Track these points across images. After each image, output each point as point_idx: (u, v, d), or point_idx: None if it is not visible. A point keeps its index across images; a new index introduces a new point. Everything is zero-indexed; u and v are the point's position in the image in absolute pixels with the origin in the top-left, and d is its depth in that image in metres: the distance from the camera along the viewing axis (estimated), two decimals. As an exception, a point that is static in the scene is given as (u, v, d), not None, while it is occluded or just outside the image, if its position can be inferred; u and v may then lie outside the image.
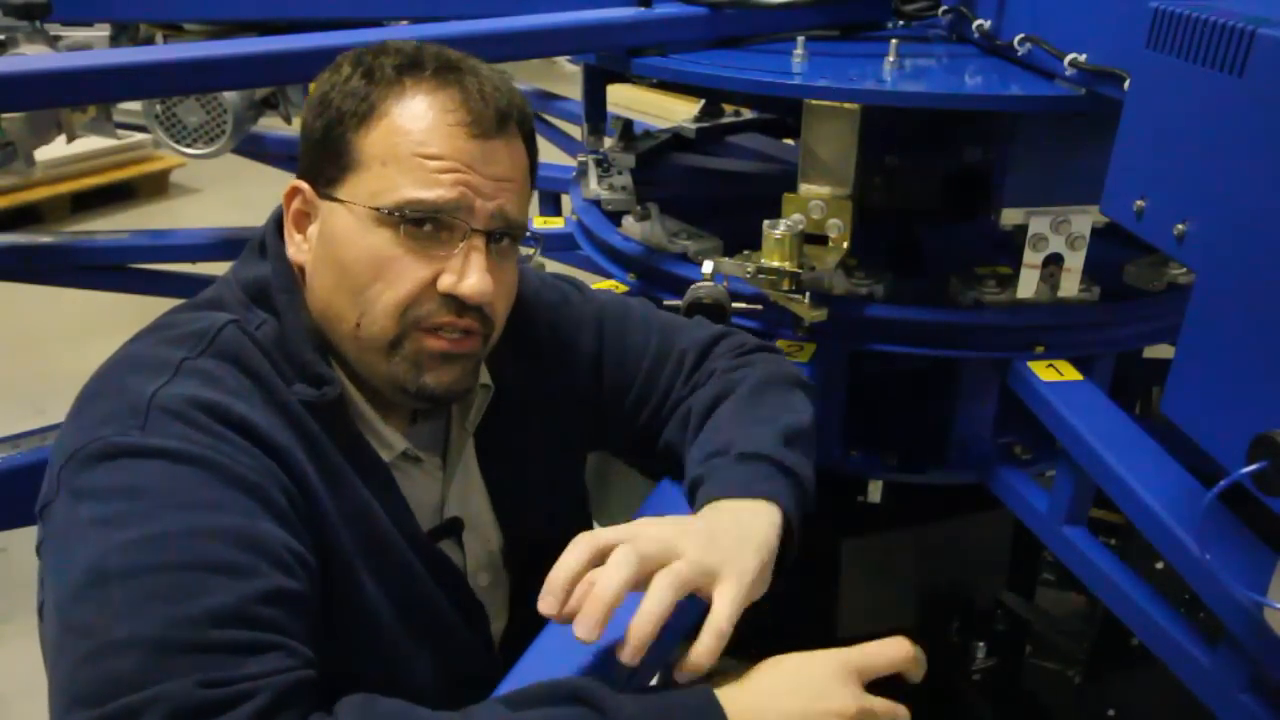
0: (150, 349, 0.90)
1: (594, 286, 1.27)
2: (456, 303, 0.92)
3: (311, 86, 0.99)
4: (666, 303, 1.30)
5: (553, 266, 1.49)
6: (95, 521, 0.77)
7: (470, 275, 0.91)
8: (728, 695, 0.80)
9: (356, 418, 0.96)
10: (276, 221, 1.00)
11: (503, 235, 0.95)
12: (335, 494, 0.90)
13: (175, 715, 0.68)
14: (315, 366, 0.93)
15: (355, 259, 0.91)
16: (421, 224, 0.90)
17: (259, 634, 0.74)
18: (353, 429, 0.95)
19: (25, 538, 1.42)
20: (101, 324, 3.21)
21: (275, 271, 0.96)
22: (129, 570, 0.74)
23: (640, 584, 0.81)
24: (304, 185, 0.95)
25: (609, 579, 0.79)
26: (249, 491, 0.81)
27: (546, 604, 0.80)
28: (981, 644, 1.63)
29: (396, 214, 0.89)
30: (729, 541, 0.87)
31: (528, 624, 0.91)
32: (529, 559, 1.11)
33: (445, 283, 0.91)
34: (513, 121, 0.95)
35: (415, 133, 0.90)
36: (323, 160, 0.93)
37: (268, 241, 0.98)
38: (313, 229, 0.95)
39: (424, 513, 1.01)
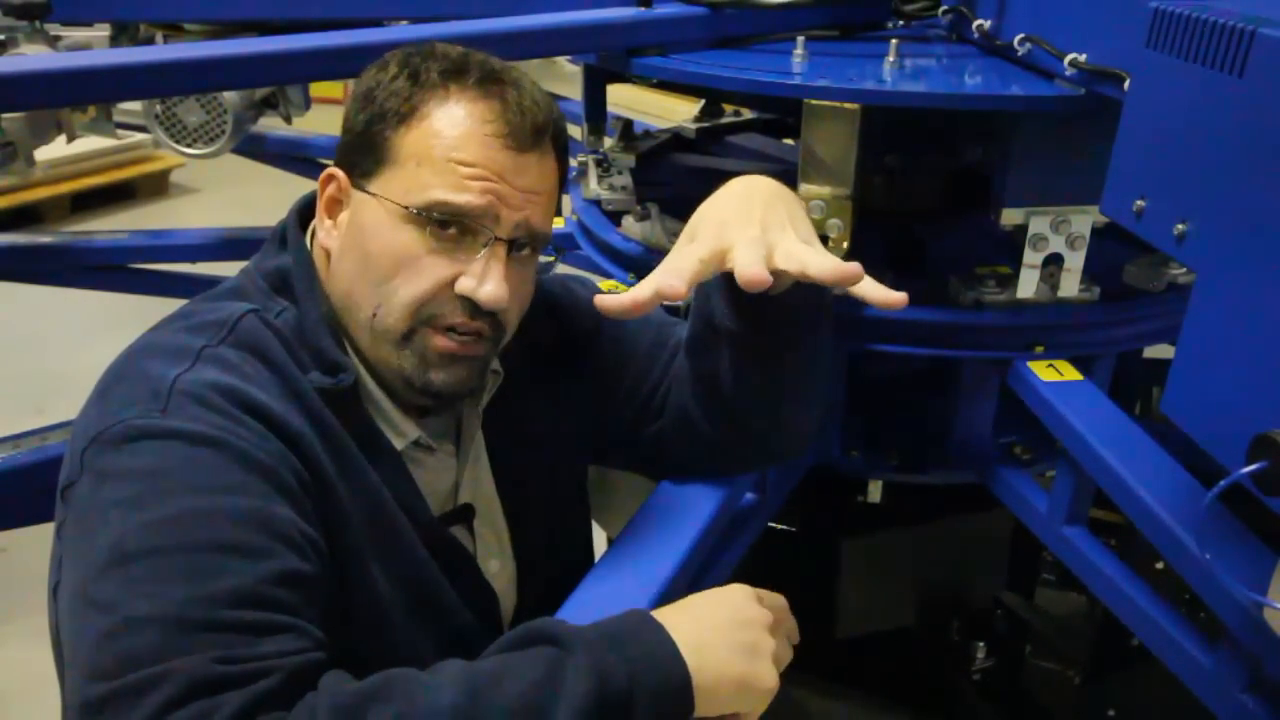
0: (171, 337, 0.92)
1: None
2: (471, 305, 0.94)
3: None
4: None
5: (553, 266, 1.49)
6: (118, 503, 0.79)
7: (488, 282, 0.93)
8: (661, 615, 0.84)
9: (371, 406, 0.98)
10: (298, 214, 1.03)
11: (525, 244, 0.97)
12: (347, 481, 0.92)
13: (190, 689, 0.70)
14: (331, 354, 0.95)
15: (380, 252, 0.93)
16: (447, 226, 0.93)
17: (273, 615, 0.76)
18: (366, 417, 0.97)
19: (25, 538, 1.42)
20: (101, 324, 3.22)
21: (296, 261, 0.99)
22: (149, 550, 0.76)
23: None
24: (339, 173, 0.98)
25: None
26: (264, 475, 0.83)
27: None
28: (981, 644, 1.63)
29: (424, 214, 0.92)
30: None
31: (534, 612, 0.93)
32: (534, 547, 1.11)
33: (464, 286, 0.93)
34: (547, 136, 0.97)
35: (451, 138, 0.92)
36: (360, 153, 0.96)
37: (289, 233, 1.01)
38: (343, 216, 0.98)
39: (437, 499, 1.03)
